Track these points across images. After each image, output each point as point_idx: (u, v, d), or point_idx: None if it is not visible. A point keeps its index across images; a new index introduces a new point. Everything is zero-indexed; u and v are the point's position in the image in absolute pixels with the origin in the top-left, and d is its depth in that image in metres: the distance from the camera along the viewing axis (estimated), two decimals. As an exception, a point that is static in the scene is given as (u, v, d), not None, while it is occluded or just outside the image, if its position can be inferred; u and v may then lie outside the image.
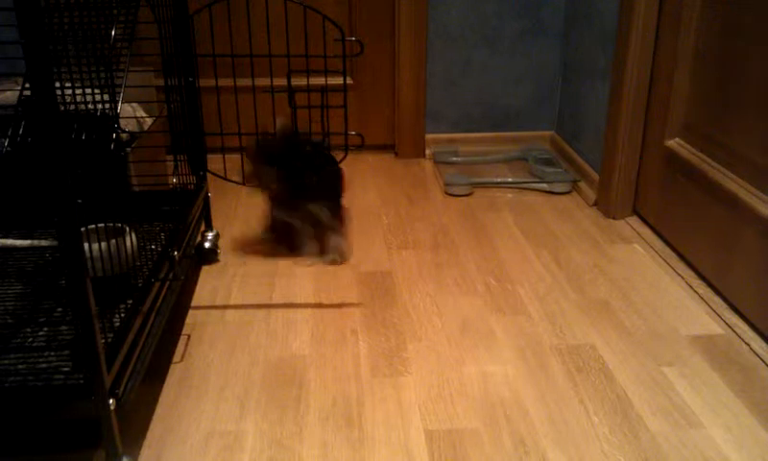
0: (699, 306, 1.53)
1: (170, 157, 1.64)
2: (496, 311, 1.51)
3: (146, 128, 1.86)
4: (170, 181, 1.59)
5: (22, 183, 1.44)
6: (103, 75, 1.35)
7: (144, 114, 1.89)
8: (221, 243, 1.82)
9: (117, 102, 1.37)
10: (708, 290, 1.58)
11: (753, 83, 1.43)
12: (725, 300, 1.53)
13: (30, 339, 1.11)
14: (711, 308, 1.52)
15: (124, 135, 1.72)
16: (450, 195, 2.13)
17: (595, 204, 2.04)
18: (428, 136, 2.44)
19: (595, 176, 2.05)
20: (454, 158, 2.37)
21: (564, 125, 2.37)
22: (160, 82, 1.64)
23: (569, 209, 2.03)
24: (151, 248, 1.39)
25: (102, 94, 1.35)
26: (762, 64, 1.40)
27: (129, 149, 1.67)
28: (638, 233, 1.87)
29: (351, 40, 2.34)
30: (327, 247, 1.73)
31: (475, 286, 1.61)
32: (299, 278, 1.66)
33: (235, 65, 1.65)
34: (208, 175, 1.70)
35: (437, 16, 2.31)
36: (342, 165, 1.75)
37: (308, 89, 1.62)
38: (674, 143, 1.75)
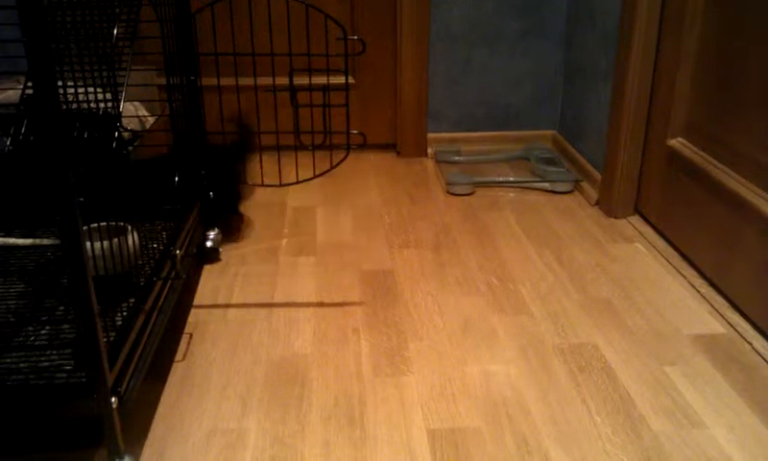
0: (701, 306, 1.53)
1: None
2: (498, 310, 1.51)
3: (148, 127, 1.86)
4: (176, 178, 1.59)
5: (24, 182, 1.44)
6: (105, 74, 1.35)
7: (146, 113, 1.89)
8: (222, 241, 1.82)
9: (119, 101, 1.37)
10: (711, 289, 1.58)
11: (755, 82, 1.43)
12: (727, 299, 1.53)
13: (32, 338, 1.11)
14: (714, 308, 1.51)
15: (126, 134, 1.72)
16: (452, 194, 2.12)
17: (597, 203, 2.03)
18: (430, 135, 2.44)
19: (597, 175, 2.05)
20: (456, 158, 2.37)
21: (566, 124, 2.37)
22: (162, 80, 1.64)
23: (571, 209, 2.03)
24: (153, 247, 1.39)
25: (104, 93, 1.35)
26: (764, 63, 1.40)
27: (131, 148, 1.67)
28: (640, 233, 1.87)
29: (353, 39, 2.34)
30: None
31: (477, 285, 1.61)
32: (300, 276, 1.66)
33: (237, 64, 1.65)
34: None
35: (439, 16, 2.31)
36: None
37: (310, 88, 1.62)
38: (676, 142, 1.75)
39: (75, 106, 1.32)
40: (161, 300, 1.22)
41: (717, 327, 1.45)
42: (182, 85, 1.58)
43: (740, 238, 1.47)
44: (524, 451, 1.12)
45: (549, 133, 2.46)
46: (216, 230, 1.77)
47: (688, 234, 1.69)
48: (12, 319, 1.16)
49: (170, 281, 1.28)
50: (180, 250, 1.35)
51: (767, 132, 1.40)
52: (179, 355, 1.36)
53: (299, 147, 1.63)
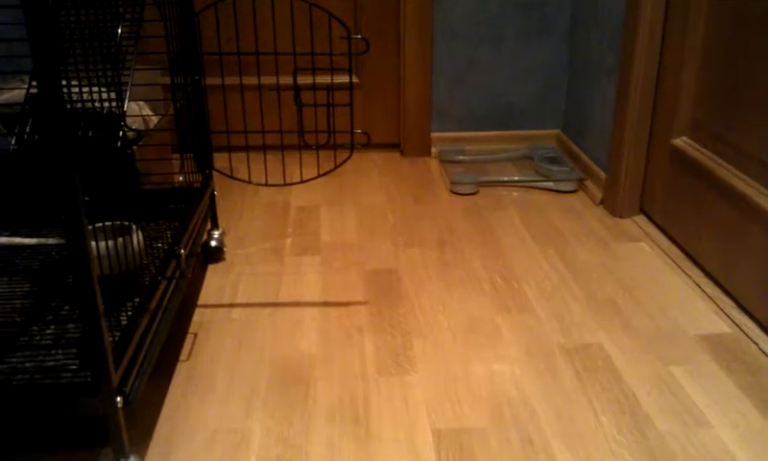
0: (706, 305, 1.52)
1: (176, 156, 1.64)
2: (503, 310, 1.51)
3: (152, 126, 1.86)
4: (176, 180, 1.59)
5: (29, 181, 1.44)
6: (109, 73, 1.35)
7: (150, 113, 1.89)
8: (227, 241, 1.82)
9: (123, 100, 1.37)
10: (716, 289, 1.57)
11: (760, 80, 1.42)
12: (732, 298, 1.53)
13: (37, 337, 1.11)
14: (719, 307, 1.51)
15: (130, 134, 1.72)
16: (456, 194, 2.12)
17: (602, 202, 2.03)
18: (434, 135, 2.44)
19: (602, 174, 2.04)
20: (460, 157, 2.37)
21: (571, 123, 2.36)
22: (166, 80, 1.64)
23: (576, 208, 2.02)
24: (157, 246, 1.39)
25: (108, 92, 1.35)
26: (771, 62, 1.39)
27: (135, 147, 1.67)
28: (645, 232, 1.86)
29: (357, 38, 2.34)
30: None
31: (482, 285, 1.61)
32: (305, 276, 1.66)
33: (241, 64, 1.65)
34: (214, 173, 1.70)
35: (442, 15, 2.31)
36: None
37: (314, 88, 1.62)
38: (681, 141, 1.75)
39: (79, 105, 1.32)
40: (166, 299, 1.22)
41: (723, 327, 1.44)
42: (186, 85, 1.58)
43: (746, 237, 1.47)
44: (529, 451, 1.12)
45: (553, 131, 2.46)
46: (221, 229, 1.77)
47: (693, 233, 1.69)
48: (17, 318, 1.16)
49: (175, 281, 1.28)
50: (184, 249, 1.35)
51: (773, 130, 1.39)
52: (183, 355, 1.36)
53: (303, 146, 1.63)
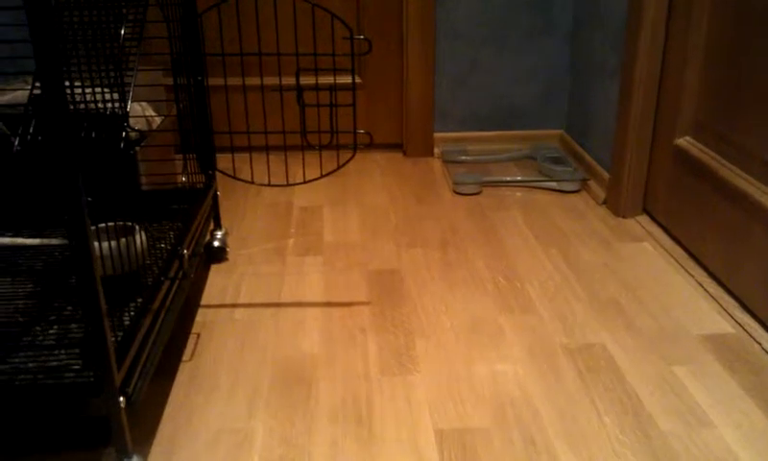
0: (710, 305, 1.52)
1: (179, 156, 1.64)
2: (506, 310, 1.51)
3: (155, 127, 1.86)
4: (179, 180, 1.59)
5: (33, 182, 1.44)
6: (112, 74, 1.35)
7: (153, 113, 1.90)
8: (230, 241, 1.82)
9: (126, 101, 1.37)
10: (719, 289, 1.57)
11: (763, 79, 1.42)
12: (736, 298, 1.52)
13: (40, 337, 1.11)
14: (722, 307, 1.51)
15: (133, 134, 1.73)
16: (459, 194, 2.12)
17: (605, 202, 2.03)
18: (437, 135, 2.44)
19: (605, 174, 2.04)
20: (463, 157, 2.37)
21: (574, 123, 2.36)
22: (169, 81, 1.64)
23: (579, 208, 2.02)
24: (160, 246, 1.40)
25: (111, 93, 1.35)
26: (774, 61, 1.39)
27: (138, 148, 1.68)
28: (648, 232, 1.86)
29: (360, 39, 2.34)
30: None
31: (484, 285, 1.61)
32: (307, 276, 1.66)
33: (244, 64, 1.65)
34: (217, 173, 1.70)
35: (444, 15, 2.31)
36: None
37: (317, 88, 1.62)
38: (684, 141, 1.74)
39: (82, 106, 1.32)
40: (169, 300, 1.23)
41: (726, 327, 1.44)
42: (189, 86, 1.58)
43: (749, 237, 1.46)
44: (532, 451, 1.11)
45: (556, 132, 2.46)
46: (223, 229, 1.77)
47: (697, 233, 1.69)
48: (20, 319, 1.16)
49: (177, 281, 1.28)
50: (187, 250, 1.35)
51: (776, 130, 1.39)
52: (186, 355, 1.37)
53: (305, 147, 1.63)
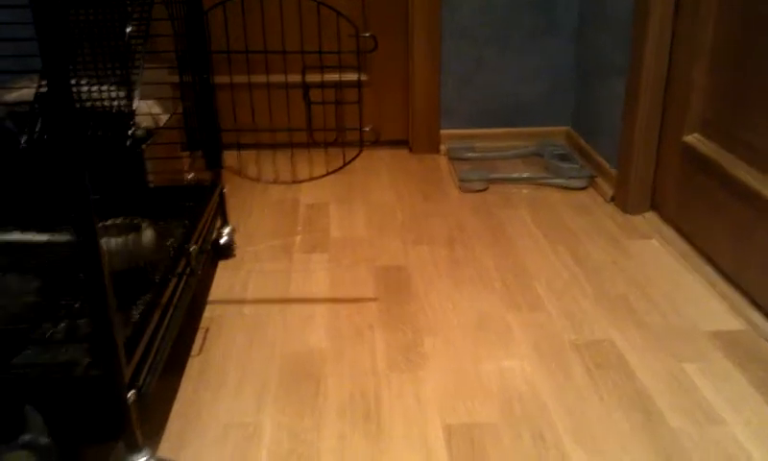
0: (719, 302, 1.51)
1: (185, 154, 1.64)
2: (513, 307, 1.51)
3: (161, 124, 1.86)
4: (186, 178, 1.59)
5: (40, 179, 1.44)
6: (118, 72, 1.36)
7: (159, 111, 1.90)
8: (237, 238, 1.82)
9: (133, 98, 1.37)
10: (728, 286, 1.56)
11: (774, 75, 1.41)
12: (745, 295, 1.52)
13: (49, 333, 1.11)
14: (731, 304, 1.50)
15: (139, 132, 1.73)
16: (466, 191, 2.12)
17: (612, 199, 2.02)
18: (443, 132, 2.44)
19: (612, 171, 2.03)
20: (469, 154, 2.36)
21: (580, 120, 2.35)
22: (175, 78, 1.64)
23: (586, 205, 2.02)
24: (167, 243, 1.39)
25: (117, 91, 1.35)
26: (783, 57, 1.38)
27: (144, 145, 1.68)
28: (656, 229, 1.85)
29: (365, 37, 2.34)
30: None
31: (492, 282, 1.61)
32: (314, 273, 1.66)
33: (250, 62, 1.65)
34: (224, 171, 1.70)
35: (450, 13, 2.30)
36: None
37: (323, 85, 1.62)
38: (692, 138, 1.74)
39: (89, 104, 1.33)
40: (177, 295, 1.23)
41: (735, 324, 1.43)
42: (195, 83, 1.58)
43: (757, 234, 1.46)
44: (541, 448, 1.11)
45: (563, 129, 2.45)
46: (230, 226, 1.77)
47: (705, 230, 1.68)
48: (30, 314, 1.16)
49: (185, 277, 1.28)
50: (194, 246, 1.35)
51: (786, 125, 1.38)
52: (195, 350, 1.37)
53: (311, 144, 1.63)
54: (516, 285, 1.59)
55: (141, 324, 1.06)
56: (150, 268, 1.27)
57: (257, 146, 1.66)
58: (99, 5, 1.33)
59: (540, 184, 2.15)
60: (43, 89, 1.45)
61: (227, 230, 1.75)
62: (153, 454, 1.02)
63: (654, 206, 1.94)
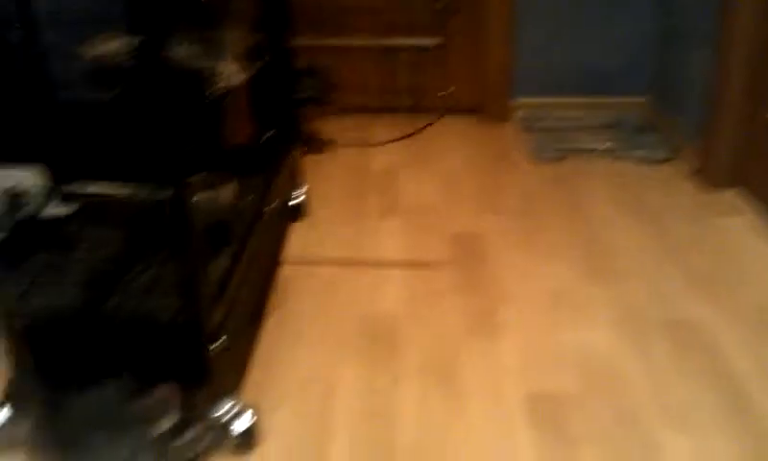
0: (810, 283, 1.45)
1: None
2: (592, 280, 1.47)
3: (239, 82, 1.87)
4: (264, 136, 1.60)
5: (126, 133, 1.47)
6: (200, 31, 1.36)
7: (238, 69, 1.90)
8: (309, 200, 1.82)
9: (214, 56, 1.38)
10: (821, 266, 1.49)
11: None
12: (839, 277, 1.44)
13: (136, 281, 1.14)
14: (824, 285, 1.43)
15: (219, 88, 1.74)
16: (539, 161, 2.07)
17: (695, 174, 1.94)
18: (516, 101, 2.38)
19: (696, 145, 1.95)
20: (542, 124, 2.30)
21: (662, 91, 2.27)
22: (256, 38, 1.64)
23: (667, 179, 1.95)
24: (246, 200, 1.41)
25: (199, 49, 1.36)
26: None
27: (225, 102, 1.69)
28: (742, 205, 1.77)
29: (447, 1, 2.29)
30: None
31: (569, 254, 1.57)
32: (386, 237, 1.65)
33: (331, 24, 1.64)
34: (301, 132, 1.71)
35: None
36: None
37: (403, 49, 1.60)
38: (787, 111, 1.65)
39: (173, 61, 1.34)
40: (256, 251, 1.24)
41: (829, 306, 1.37)
42: (275, 43, 1.58)
43: None
44: (626, 424, 1.09)
45: (642, 99, 2.36)
46: (304, 187, 1.78)
47: (796, 208, 1.60)
48: (116, 263, 1.19)
49: (264, 234, 1.29)
50: (272, 203, 1.36)
51: None
52: (272, 306, 1.38)
53: (387, 108, 1.61)
54: (595, 258, 1.55)
55: (226, 275, 1.07)
56: (230, 223, 1.29)
57: (335, 108, 1.65)
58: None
59: (618, 156, 2.09)
60: (133, 45, 1.48)
61: (300, 191, 1.76)
62: (236, 402, 1.03)
63: (742, 181, 1.86)
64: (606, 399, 1.13)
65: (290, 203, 1.74)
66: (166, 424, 0.95)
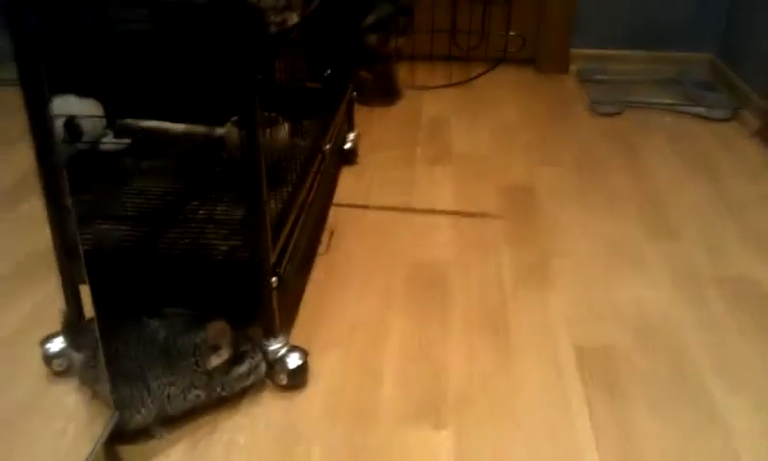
0: None
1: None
2: (648, 235, 1.43)
3: (291, 25, 1.85)
4: (324, 73, 1.57)
5: (187, 70, 1.46)
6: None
7: (291, 12, 1.88)
8: (360, 145, 1.81)
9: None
10: None
11: None
12: None
13: (193, 215, 1.15)
14: None
15: (272, 30, 1.72)
16: (597, 114, 2.01)
17: (759, 133, 1.87)
18: (574, 51, 2.31)
19: (761, 104, 1.87)
20: (601, 76, 2.23)
21: (728, 47, 2.17)
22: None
23: (729, 137, 1.88)
24: (302, 141, 1.40)
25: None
26: None
27: (287, 37, 1.67)
28: (808, 168, 1.71)
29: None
30: None
31: (625, 208, 1.53)
32: (437, 185, 1.64)
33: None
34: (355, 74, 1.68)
35: None
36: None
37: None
38: None
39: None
40: (312, 191, 1.23)
41: None
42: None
43: None
44: (678, 378, 1.06)
45: (707, 55, 2.27)
46: (355, 132, 1.76)
47: None
48: (173, 197, 1.20)
49: (319, 175, 1.29)
50: (329, 145, 1.35)
51: None
52: (321, 249, 1.38)
53: (446, 56, 1.57)
54: (652, 213, 1.51)
55: (283, 215, 1.07)
56: (287, 163, 1.28)
57: (396, 53, 1.62)
58: None
59: (679, 112, 2.02)
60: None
61: (351, 136, 1.75)
62: (287, 342, 1.04)
63: (808, 143, 1.78)
64: (660, 355, 1.11)
65: (342, 145, 1.72)
66: (219, 358, 0.96)
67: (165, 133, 1.46)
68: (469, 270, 1.32)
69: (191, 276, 1.04)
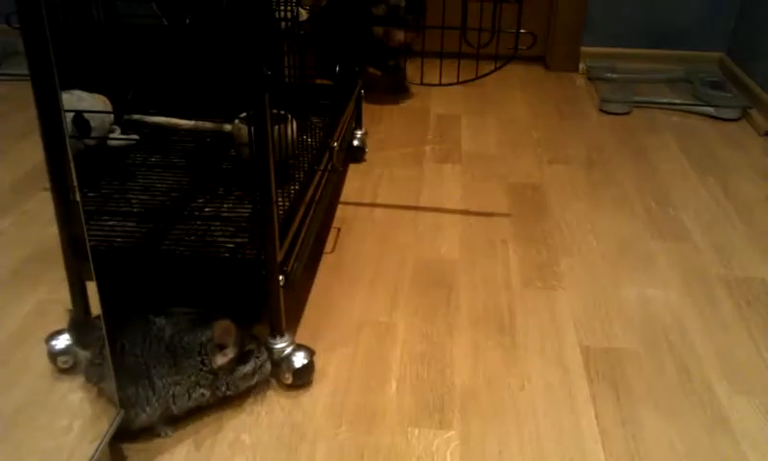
0: None
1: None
2: (656, 235, 1.43)
3: (301, 20, 1.85)
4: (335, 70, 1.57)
5: (197, 65, 1.46)
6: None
7: (300, 8, 1.88)
8: (368, 143, 1.81)
9: None
10: None
11: None
12: None
13: (199, 212, 1.15)
14: None
15: (281, 27, 1.72)
16: (606, 113, 2.00)
17: (766, 134, 1.86)
18: (583, 49, 2.30)
19: (771, 103, 1.86)
20: (610, 75, 2.22)
21: (738, 46, 2.16)
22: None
23: (738, 137, 1.87)
24: (310, 138, 1.40)
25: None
26: None
27: (295, 32, 1.67)
28: (819, 168, 1.69)
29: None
30: None
31: (633, 208, 1.53)
32: (446, 183, 1.63)
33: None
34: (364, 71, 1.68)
35: None
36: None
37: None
38: None
39: None
40: (320, 189, 1.23)
41: None
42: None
43: None
44: (685, 380, 1.06)
45: (716, 54, 2.26)
46: (363, 129, 1.76)
47: None
48: (179, 193, 1.20)
49: (327, 173, 1.28)
50: (336, 143, 1.34)
51: None
52: (328, 247, 1.38)
53: (455, 53, 1.57)
54: (660, 213, 1.50)
55: (290, 212, 1.07)
56: (293, 160, 1.28)
57: (405, 49, 1.61)
58: None
59: (688, 112, 2.01)
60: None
61: (359, 134, 1.75)
62: (292, 340, 1.04)
63: (819, 144, 1.77)
64: (667, 355, 1.10)
65: (349, 143, 1.72)
66: (225, 357, 0.96)
67: (173, 128, 1.46)
68: (476, 269, 1.32)
69: (197, 273, 1.04)
